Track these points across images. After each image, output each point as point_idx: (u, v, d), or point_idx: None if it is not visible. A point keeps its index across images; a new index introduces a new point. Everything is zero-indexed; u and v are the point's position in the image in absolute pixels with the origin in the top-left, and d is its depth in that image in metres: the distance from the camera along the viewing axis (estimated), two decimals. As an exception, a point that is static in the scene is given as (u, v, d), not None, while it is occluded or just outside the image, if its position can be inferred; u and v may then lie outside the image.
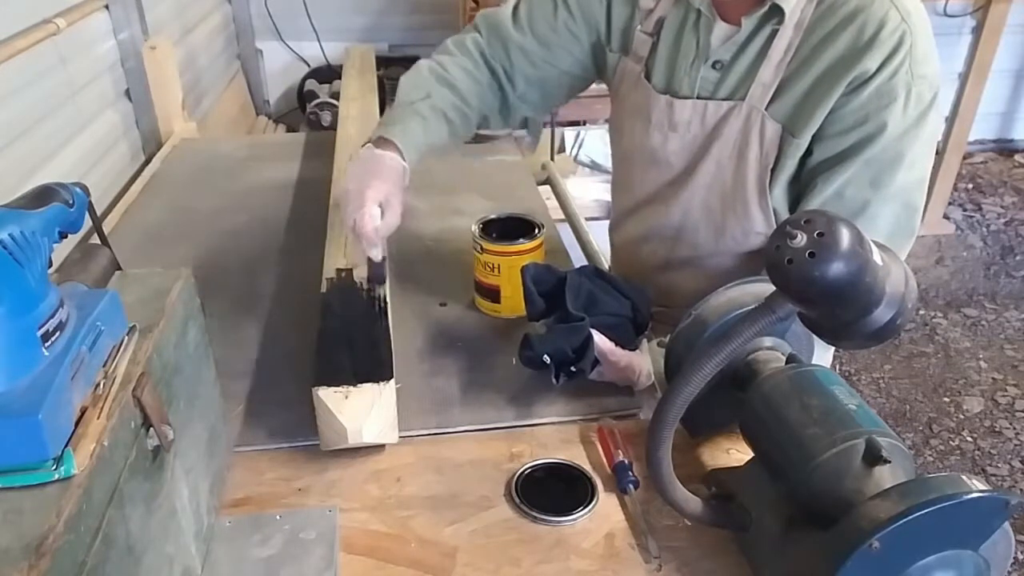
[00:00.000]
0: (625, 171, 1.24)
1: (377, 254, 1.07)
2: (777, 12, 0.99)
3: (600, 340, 0.98)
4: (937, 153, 3.08)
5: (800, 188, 1.05)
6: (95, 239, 0.83)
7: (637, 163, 1.19)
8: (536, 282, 1.05)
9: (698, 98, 1.08)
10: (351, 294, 1.10)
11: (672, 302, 1.14)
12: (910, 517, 0.62)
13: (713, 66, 1.06)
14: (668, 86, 1.11)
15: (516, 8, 1.22)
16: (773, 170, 1.04)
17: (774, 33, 1.00)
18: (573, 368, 0.98)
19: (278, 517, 0.87)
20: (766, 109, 1.02)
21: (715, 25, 1.05)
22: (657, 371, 1.01)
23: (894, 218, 1.01)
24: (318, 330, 1.03)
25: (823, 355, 1.14)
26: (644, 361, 1.02)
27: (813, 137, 1.00)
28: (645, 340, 1.06)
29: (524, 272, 1.05)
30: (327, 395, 0.91)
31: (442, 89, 1.18)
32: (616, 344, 1.00)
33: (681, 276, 1.19)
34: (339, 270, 1.15)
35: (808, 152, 1.02)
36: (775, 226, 1.06)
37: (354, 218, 1.03)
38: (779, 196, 1.06)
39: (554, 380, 0.99)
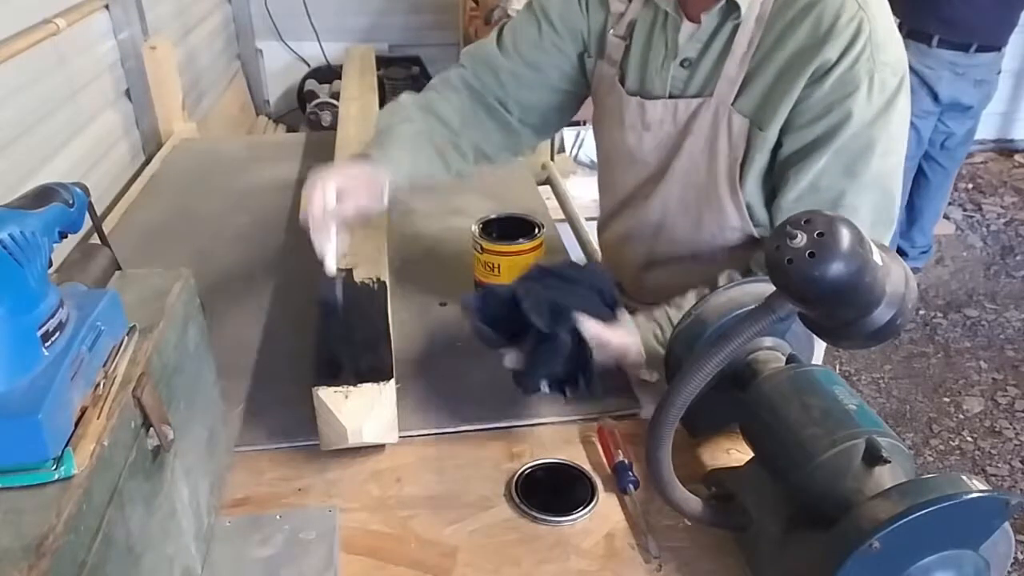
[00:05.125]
0: (607, 173, 1.25)
1: (323, 242, 0.99)
2: (734, 7, 1.00)
3: (587, 327, 0.94)
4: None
5: (775, 183, 1.05)
6: (95, 239, 0.83)
7: (616, 164, 1.20)
8: (483, 309, 0.96)
9: (670, 97, 1.09)
10: (351, 294, 1.10)
11: (658, 299, 1.14)
12: (910, 517, 0.62)
13: (682, 64, 1.07)
14: (641, 87, 1.12)
15: (500, 36, 1.21)
16: (743, 164, 1.05)
17: (736, 28, 1.01)
18: (577, 379, 0.95)
19: (278, 517, 0.87)
20: (733, 104, 1.03)
21: (681, 24, 1.06)
22: (646, 343, 1.00)
23: (873, 206, 1.01)
24: (318, 330, 1.03)
25: (815, 350, 1.14)
26: (633, 337, 1.00)
27: (781, 130, 1.01)
28: (628, 317, 1.03)
29: (466, 306, 0.97)
30: (327, 395, 0.91)
31: (425, 116, 1.17)
32: None
33: (664, 273, 1.20)
34: (339, 270, 1.15)
35: (779, 145, 1.03)
36: (749, 220, 1.08)
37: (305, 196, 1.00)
38: (752, 191, 1.07)
39: (563, 397, 0.97)
